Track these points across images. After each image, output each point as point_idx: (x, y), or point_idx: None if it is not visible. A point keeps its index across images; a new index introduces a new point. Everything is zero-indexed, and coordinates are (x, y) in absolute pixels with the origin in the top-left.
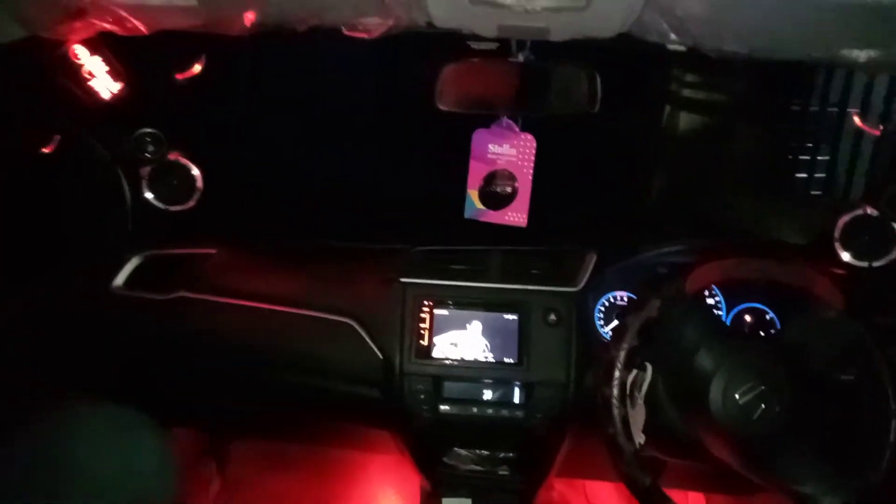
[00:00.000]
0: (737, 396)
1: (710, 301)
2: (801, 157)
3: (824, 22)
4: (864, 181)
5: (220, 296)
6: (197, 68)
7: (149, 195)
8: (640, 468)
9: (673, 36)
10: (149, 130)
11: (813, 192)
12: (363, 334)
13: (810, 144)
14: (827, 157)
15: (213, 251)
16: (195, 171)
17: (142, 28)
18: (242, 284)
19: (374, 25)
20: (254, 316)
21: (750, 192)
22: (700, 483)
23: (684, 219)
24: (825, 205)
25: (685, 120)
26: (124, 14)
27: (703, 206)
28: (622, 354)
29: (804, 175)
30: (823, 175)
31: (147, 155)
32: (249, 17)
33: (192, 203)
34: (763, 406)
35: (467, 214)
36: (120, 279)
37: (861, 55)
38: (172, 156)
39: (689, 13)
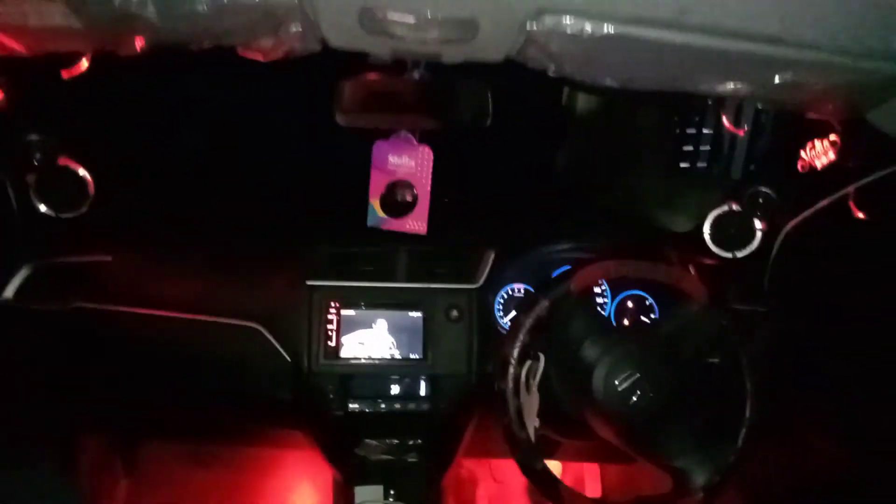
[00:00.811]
0: (616, 383)
1: (597, 290)
2: (688, 132)
3: (685, 62)
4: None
5: (119, 304)
6: (84, 65)
7: (38, 203)
8: (532, 453)
9: (552, 66)
10: (34, 137)
11: (698, 168)
12: (270, 338)
13: (697, 118)
14: (711, 132)
15: (108, 258)
16: (86, 176)
17: (21, 49)
18: (142, 292)
19: (269, 48)
20: (156, 324)
21: (644, 174)
22: (594, 456)
23: (582, 208)
24: (710, 186)
25: (583, 103)
26: (2, 37)
27: (601, 191)
28: (515, 351)
29: (690, 148)
30: (708, 149)
31: (34, 161)
32: (139, 41)
33: (83, 209)
34: (639, 392)
35: (370, 223)
36: (9, 291)
37: (725, 88)
38: (62, 161)
39: (563, 51)
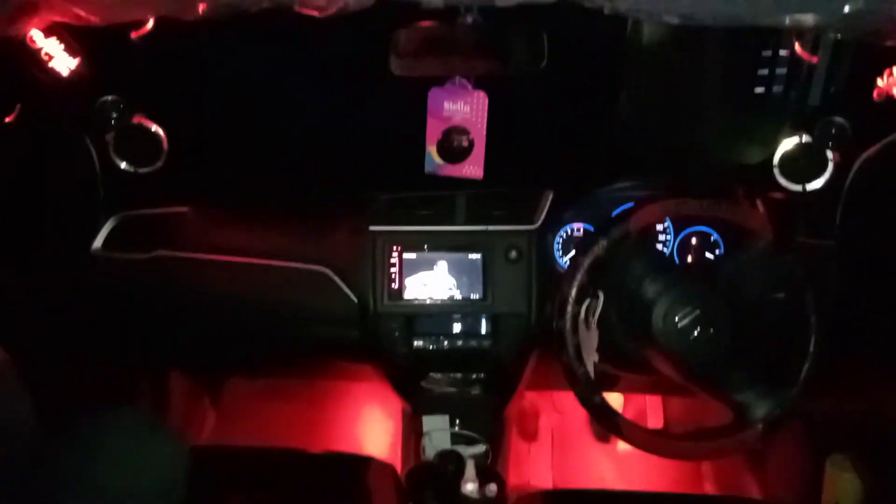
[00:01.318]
0: (676, 320)
1: (660, 227)
2: (764, 54)
3: None
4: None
5: (197, 252)
6: (150, 24)
7: (117, 160)
8: (590, 388)
9: (608, 5)
10: (110, 98)
11: (774, 93)
12: (338, 281)
13: (769, 54)
14: (788, 54)
15: (185, 209)
16: (160, 132)
17: (95, 20)
18: (218, 240)
19: (324, 4)
20: (231, 269)
21: (714, 102)
22: (655, 388)
23: (644, 145)
24: (783, 115)
25: (648, 34)
26: (77, 9)
27: (667, 126)
28: (574, 290)
29: (765, 72)
30: (784, 72)
31: (111, 121)
32: (202, 5)
33: (160, 164)
34: (699, 328)
35: (428, 169)
36: (98, 242)
37: (792, 21)
38: (136, 119)
39: None
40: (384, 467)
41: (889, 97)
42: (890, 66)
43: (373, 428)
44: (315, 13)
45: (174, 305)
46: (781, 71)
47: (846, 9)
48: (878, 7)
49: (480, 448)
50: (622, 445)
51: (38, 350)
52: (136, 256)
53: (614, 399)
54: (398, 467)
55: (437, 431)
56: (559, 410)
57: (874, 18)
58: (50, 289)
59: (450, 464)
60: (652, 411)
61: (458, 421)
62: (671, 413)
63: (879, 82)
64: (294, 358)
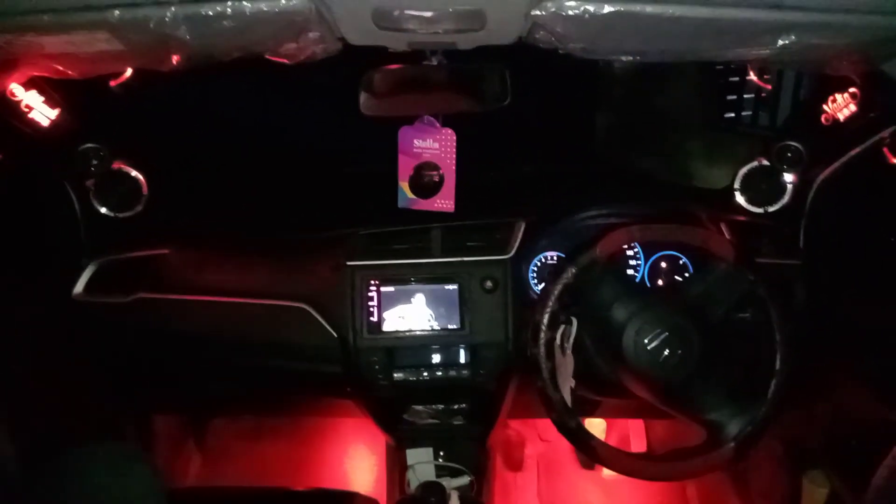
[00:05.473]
0: (646, 342)
1: (629, 252)
2: (732, 80)
3: (688, 33)
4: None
5: (178, 293)
6: (128, 73)
7: (98, 205)
8: (566, 413)
9: (561, 46)
10: (90, 145)
11: (744, 117)
12: (318, 317)
13: (736, 79)
14: (752, 96)
15: (165, 252)
16: (140, 177)
17: (73, 74)
18: (198, 280)
19: (293, 52)
20: (212, 309)
21: (682, 137)
22: (634, 412)
23: (616, 173)
24: (749, 139)
25: (619, 67)
26: (55, 64)
27: (639, 154)
28: (546, 317)
29: (732, 115)
30: (750, 114)
31: (92, 168)
32: (175, 58)
33: (139, 208)
34: (668, 350)
35: (400, 204)
36: (79, 287)
37: (730, 54)
38: (116, 165)
39: (568, 32)
40: (369, 502)
41: (836, 121)
42: (835, 92)
43: (357, 463)
44: (285, 60)
45: (157, 347)
46: (749, 96)
47: (779, 42)
48: (809, 40)
49: (465, 479)
50: (608, 473)
51: (18, 394)
52: (118, 300)
53: (597, 425)
54: (383, 502)
55: (422, 464)
56: (544, 439)
57: (809, 50)
58: (32, 334)
59: (433, 496)
60: (635, 437)
61: (441, 453)
62: (654, 438)
63: (826, 108)
64: (277, 395)
